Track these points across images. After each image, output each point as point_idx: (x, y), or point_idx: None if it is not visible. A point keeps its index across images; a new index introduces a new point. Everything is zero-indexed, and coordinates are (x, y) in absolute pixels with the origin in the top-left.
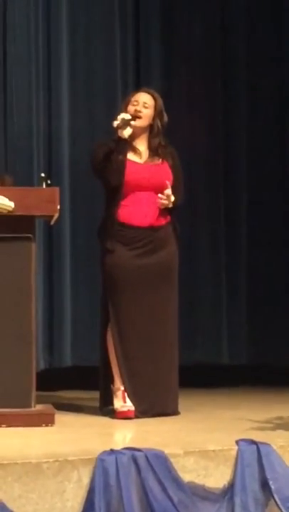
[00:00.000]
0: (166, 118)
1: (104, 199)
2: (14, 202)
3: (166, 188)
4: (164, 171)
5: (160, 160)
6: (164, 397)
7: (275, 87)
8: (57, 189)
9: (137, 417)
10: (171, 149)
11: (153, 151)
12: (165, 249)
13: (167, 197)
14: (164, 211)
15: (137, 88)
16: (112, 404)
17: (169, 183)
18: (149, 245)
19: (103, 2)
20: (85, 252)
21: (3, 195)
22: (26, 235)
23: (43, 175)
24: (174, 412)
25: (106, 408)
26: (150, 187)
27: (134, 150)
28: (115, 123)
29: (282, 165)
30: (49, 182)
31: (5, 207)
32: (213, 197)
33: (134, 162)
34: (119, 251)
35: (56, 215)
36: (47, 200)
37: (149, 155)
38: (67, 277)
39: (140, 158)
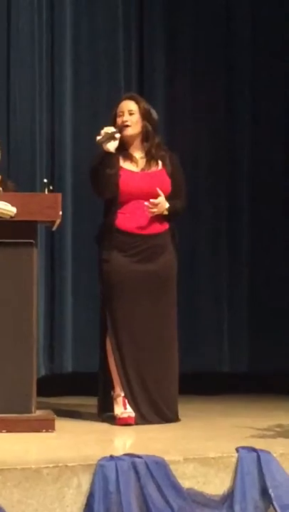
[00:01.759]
0: (155, 115)
1: (103, 207)
2: (16, 207)
3: (159, 195)
4: (160, 179)
5: (157, 166)
6: (163, 403)
7: (280, 93)
8: (59, 195)
9: (136, 423)
10: (170, 154)
11: (149, 156)
12: (162, 257)
13: (154, 205)
14: (163, 219)
15: (140, 91)
16: (110, 410)
17: (160, 191)
18: (145, 252)
19: (107, 8)
20: (87, 257)
21: (6, 201)
22: (28, 240)
23: (45, 181)
24: (174, 419)
25: (105, 414)
26: (146, 195)
27: (131, 158)
28: (98, 138)
29: (285, 173)
30: (51, 188)
31: (7, 212)
32: (215, 204)
33: (129, 171)
34: (116, 258)
35: (58, 221)
36: (49, 206)
37: (146, 162)
38: (68, 283)
39: (136, 166)
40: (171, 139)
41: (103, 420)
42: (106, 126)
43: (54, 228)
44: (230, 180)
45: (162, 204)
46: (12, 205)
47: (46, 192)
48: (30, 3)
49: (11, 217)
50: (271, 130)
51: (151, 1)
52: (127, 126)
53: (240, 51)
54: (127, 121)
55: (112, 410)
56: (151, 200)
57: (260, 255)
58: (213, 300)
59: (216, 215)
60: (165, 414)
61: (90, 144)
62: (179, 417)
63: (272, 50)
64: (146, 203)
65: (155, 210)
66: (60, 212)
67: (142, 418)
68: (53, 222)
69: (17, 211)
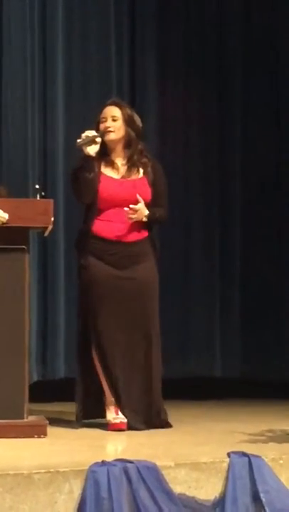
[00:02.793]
0: (139, 123)
1: (82, 213)
2: (8, 213)
3: (138, 202)
4: (140, 187)
5: (138, 174)
6: (147, 410)
7: (272, 97)
8: (51, 201)
9: (129, 429)
10: (153, 162)
11: (130, 163)
12: (141, 264)
13: (135, 211)
14: (142, 226)
15: (133, 101)
16: (90, 417)
17: (140, 198)
18: (123, 260)
19: (99, 14)
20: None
21: None
22: (20, 246)
23: (37, 186)
24: (162, 425)
25: (82, 422)
26: (125, 203)
27: (112, 165)
28: (78, 141)
29: (277, 177)
30: (43, 194)
31: None
32: (207, 210)
33: (109, 178)
34: (94, 265)
35: (50, 227)
36: (41, 212)
37: (127, 169)
38: (61, 289)
39: (117, 173)
40: (162, 144)
41: (80, 426)
42: (85, 131)
43: (46, 234)
44: (222, 185)
45: (142, 211)
46: (4, 211)
47: (38, 198)
48: (21, 9)
49: (3, 223)
50: (264, 137)
51: (142, 5)
52: (110, 131)
53: (232, 57)
54: (109, 127)
55: (92, 417)
56: (131, 206)
57: (252, 262)
58: (205, 305)
59: (208, 221)
60: (148, 421)
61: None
62: (171, 422)
63: (265, 51)
64: (126, 209)
65: (134, 216)
66: (52, 219)
67: (130, 426)
68: (45, 228)
69: (9, 217)
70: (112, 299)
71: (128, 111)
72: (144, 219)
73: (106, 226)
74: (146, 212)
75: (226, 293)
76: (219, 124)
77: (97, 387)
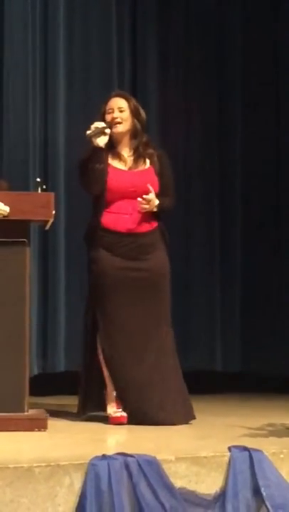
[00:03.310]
0: (143, 115)
1: (91, 206)
2: (9, 206)
3: (150, 192)
4: (148, 177)
5: (145, 165)
6: (151, 403)
7: (272, 95)
8: (52, 194)
9: (129, 423)
10: (159, 152)
11: (137, 154)
12: (151, 255)
13: (148, 201)
14: (151, 217)
15: (135, 97)
16: (91, 410)
17: (151, 187)
18: (133, 251)
19: (101, 10)
20: (80, 257)
21: None
22: (21, 239)
23: (38, 180)
24: (164, 422)
25: (85, 415)
26: (134, 194)
27: (119, 157)
28: (88, 132)
29: (276, 178)
30: (44, 187)
31: (0, 211)
32: (208, 207)
33: (117, 169)
34: (104, 258)
35: (51, 220)
36: (42, 205)
37: (134, 160)
38: (61, 282)
39: (125, 164)
40: (163, 141)
41: (85, 420)
42: (94, 122)
43: (47, 227)
44: (222, 183)
45: (153, 201)
46: (5, 204)
47: (39, 191)
48: (23, 7)
49: (4, 216)
50: (263, 135)
51: (144, 3)
52: (118, 123)
53: (232, 55)
54: (117, 117)
55: (94, 410)
56: (144, 196)
57: (253, 257)
58: (205, 300)
59: (209, 218)
60: (154, 417)
61: (83, 144)
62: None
63: (265, 49)
64: (139, 199)
65: (147, 206)
66: (53, 212)
67: (130, 420)
68: (46, 221)
69: (10, 210)
70: (123, 291)
71: (134, 102)
72: (155, 209)
73: (115, 218)
74: (157, 202)
75: (226, 288)
76: (219, 123)
77: (100, 380)
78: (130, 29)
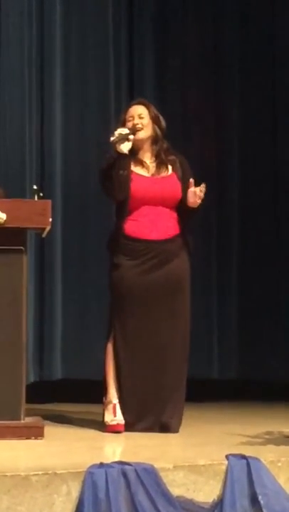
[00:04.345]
0: (163, 122)
1: (113, 213)
2: (6, 214)
3: (191, 186)
4: (171, 183)
5: (167, 171)
6: (153, 412)
7: (269, 96)
8: (49, 202)
9: (127, 430)
10: (180, 158)
11: (158, 160)
12: (173, 262)
13: (202, 191)
14: (174, 224)
15: (130, 100)
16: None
17: (192, 181)
18: (156, 258)
19: (97, 14)
20: (77, 264)
21: None
22: (18, 247)
23: (35, 187)
24: (163, 429)
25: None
26: (157, 200)
27: (141, 163)
28: (112, 138)
29: (274, 185)
30: (41, 194)
31: None
32: (205, 213)
33: (140, 176)
34: (125, 265)
35: (48, 228)
36: (39, 213)
37: (156, 166)
38: (58, 290)
39: (147, 171)
40: None
41: (82, 427)
42: (117, 128)
43: (44, 235)
44: (220, 193)
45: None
46: (1, 212)
47: (36, 199)
48: (19, 8)
49: (1, 223)
50: (261, 135)
51: (141, 6)
52: (140, 129)
53: (230, 57)
54: (138, 124)
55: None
56: (203, 184)
57: (250, 264)
58: (203, 306)
59: (207, 228)
60: (163, 423)
61: (80, 150)
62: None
63: (262, 46)
64: (195, 189)
65: (201, 194)
66: (50, 219)
67: (142, 427)
68: (43, 229)
69: (7, 218)
70: (141, 298)
71: (154, 109)
72: (195, 205)
73: (138, 225)
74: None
75: (223, 294)
76: (217, 124)
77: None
78: (127, 26)
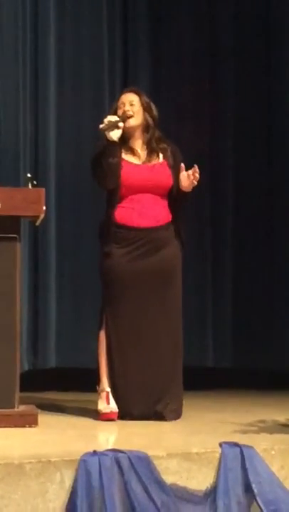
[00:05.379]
0: (155, 110)
1: (104, 201)
2: (0, 202)
3: (182, 170)
4: (162, 171)
5: (158, 159)
6: (148, 399)
7: (263, 92)
8: (43, 190)
9: (121, 418)
10: (172, 147)
11: (150, 148)
12: (164, 250)
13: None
14: (165, 211)
15: (124, 89)
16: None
17: (183, 166)
18: (146, 246)
19: (91, 9)
20: (71, 253)
21: None
22: (12, 235)
23: (29, 175)
24: (157, 417)
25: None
26: (148, 188)
27: (132, 151)
28: (101, 126)
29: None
30: (35, 183)
31: None
32: (199, 205)
33: (131, 163)
34: (116, 253)
35: (42, 216)
36: (33, 201)
37: (147, 154)
38: (52, 278)
39: (138, 159)
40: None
41: (75, 415)
42: (107, 116)
43: (38, 223)
44: (214, 193)
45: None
46: None
47: (30, 187)
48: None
49: None
50: (256, 133)
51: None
52: (130, 116)
53: (225, 57)
54: (129, 110)
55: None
56: (195, 166)
57: (244, 252)
58: (197, 294)
59: (201, 220)
60: (157, 412)
61: (74, 139)
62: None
63: (257, 44)
64: (187, 172)
65: (197, 175)
66: (44, 207)
67: (122, 415)
68: (37, 217)
69: (0, 206)
70: (132, 286)
71: (145, 97)
72: (188, 189)
73: (129, 213)
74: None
75: (217, 283)
76: (212, 121)
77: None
78: (121, 26)
